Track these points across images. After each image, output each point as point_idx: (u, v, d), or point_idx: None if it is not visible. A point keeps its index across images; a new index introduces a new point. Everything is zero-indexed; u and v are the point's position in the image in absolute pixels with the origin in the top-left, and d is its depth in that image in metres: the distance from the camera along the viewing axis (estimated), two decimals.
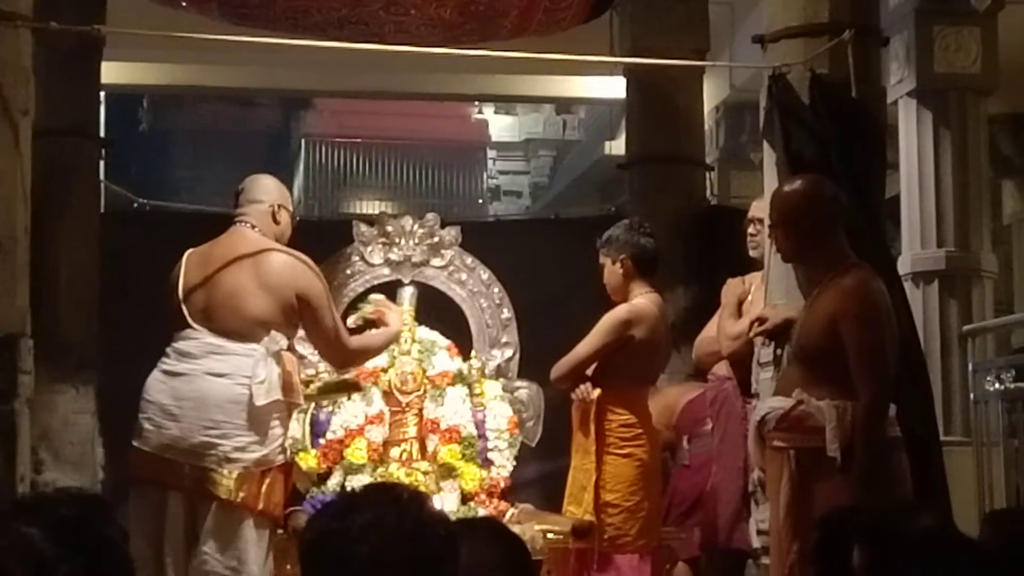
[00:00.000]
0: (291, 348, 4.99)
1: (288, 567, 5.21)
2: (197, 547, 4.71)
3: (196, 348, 4.82)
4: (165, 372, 4.84)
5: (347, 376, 5.63)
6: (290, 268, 4.96)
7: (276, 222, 5.12)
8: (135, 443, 4.83)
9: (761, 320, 4.97)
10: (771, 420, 4.49)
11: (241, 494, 4.71)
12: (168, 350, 4.88)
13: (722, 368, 6.09)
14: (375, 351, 5.53)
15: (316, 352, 5.40)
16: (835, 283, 4.46)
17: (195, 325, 4.85)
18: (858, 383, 4.31)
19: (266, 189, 5.18)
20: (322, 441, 5.84)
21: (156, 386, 4.82)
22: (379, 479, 5.66)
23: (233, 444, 4.71)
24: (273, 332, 4.84)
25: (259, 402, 4.73)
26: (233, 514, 4.73)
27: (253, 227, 5.04)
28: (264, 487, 4.78)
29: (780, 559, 4.44)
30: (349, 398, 5.80)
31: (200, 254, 5.02)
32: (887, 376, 4.38)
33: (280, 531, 5.13)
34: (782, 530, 4.39)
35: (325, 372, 5.68)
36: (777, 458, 4.47)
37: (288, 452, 5.05)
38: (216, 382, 4.76)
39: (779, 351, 4.96)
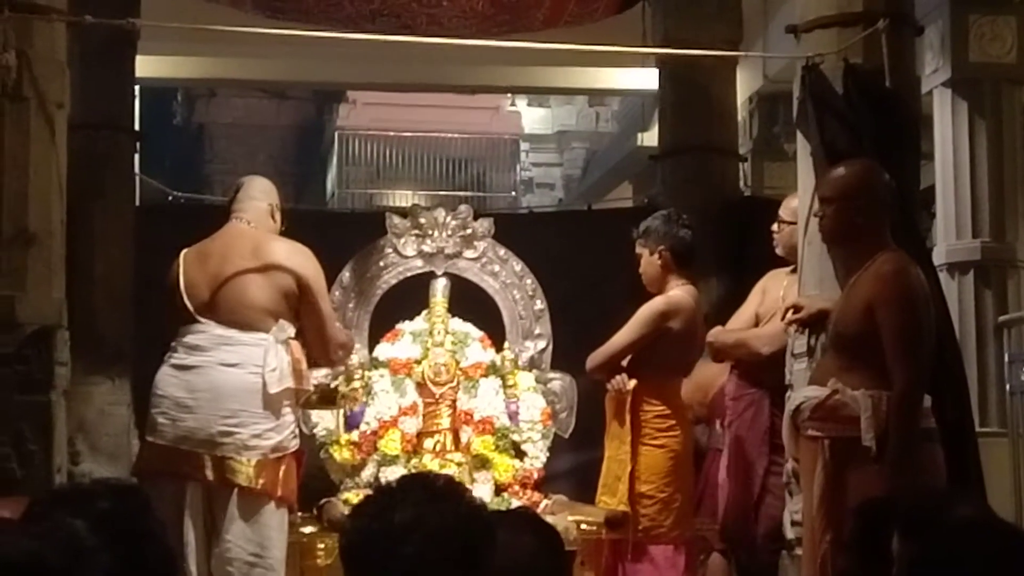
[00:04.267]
0: (297, 336, 5.02)
1: (318, 560, 5.25)
2: (219, 535, 4.77)
3: (206, 341, 4.88)
4: (175, 366, 4.90)
5: (331, 386, 5.57)
6: (290, 254, 5.02)
7: (273, 220, 5.20)
8: (149, 437, 4.92)
9: (796, 308, 4.95)
10: (805, 410, 4.48)
11: (261, 480, 4.77)
12: (175, 345, 4.95)
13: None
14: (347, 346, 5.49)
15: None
16: (873, 269, 4.44)
17: (201, 319, 4.91)
18: (893, 369, 4.30)
19: (264, 189, 5.26)
20: (356, 433, 5.86)
21: (167, 380, 4.89)
22: (413, 471, 5.67)
23: (250, 432, 4.77)
24: (281, 320, 4.89)
25: (273, 389, 4.80)
26: (255, 501, 4.80)
27: (249, 223, 5.09)
28: (281, 473, 4.83)
29: (812, 549, 4.42)
30: (333, 408, 5.72)
31: (197, 251, 5.09)
32: (923, 362, 4.36)
33: (301, 515, 5.24)
34: (815, 520, 4.37)
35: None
36: (811, 448, 4.45)
37: (299, 439, 5.09)
38: (229, 372, 4.82)
39: (813, 341, 4.93)
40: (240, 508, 4.78)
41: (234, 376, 4.82)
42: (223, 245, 5.06)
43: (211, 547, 4.81)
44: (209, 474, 4.77)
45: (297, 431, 5.03)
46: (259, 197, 5.19)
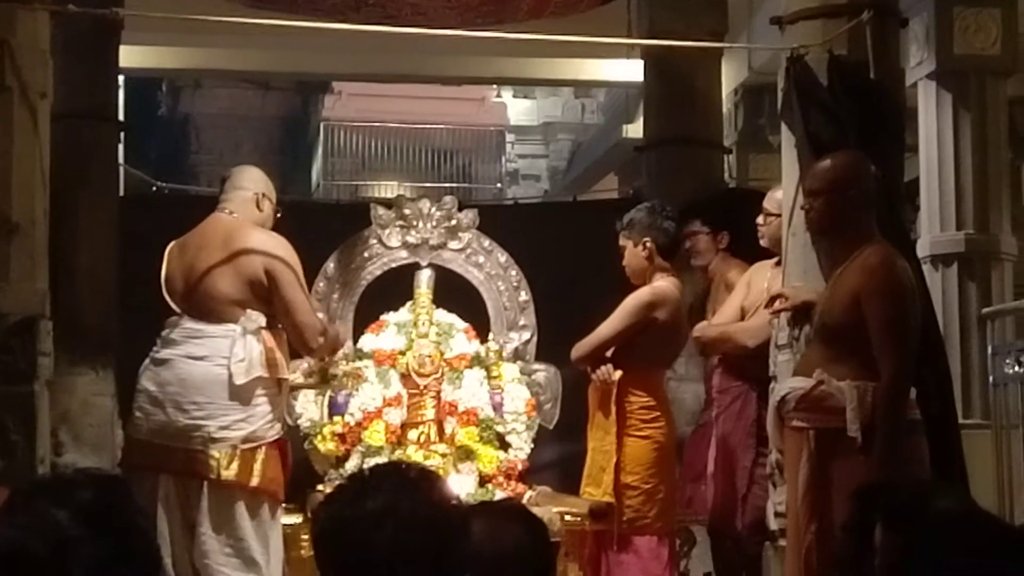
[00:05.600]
0: (273, 326, 4.98)
1: (302, 551, 5.24)
2: (196, 529, 4.76)
3: (177, 334, 4.91)
4: (152, 360, 4.94)
5: (328, 370, 5.57)
6: (257, 243, 4.97)
7: (259, 209, 5.14)
8: (127, 431, 4.96)
9: (781, 297, 4.94)
10: (791, 400, 4.48)
11: (231, 472, 4.75)
12: (157, 339, 4.96)
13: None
14: (334, 343, 5.37)
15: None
16: (859, 260, 4.45)
17: (177, 312, 4.95)
18: (880, 360, 4.31)
19: (251, 178, 5.23)
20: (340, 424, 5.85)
21: (145, 374, 4.94)
22: None
23: (217, 424, 4.76)
24: (249, 311, 4.88)
25: (239, 380, 4.79)
26: (225, 493, 4.79)
27: (231, 213, 5.08)
28: (257, 464, 4.81)
29: (797, 539, 4.43)
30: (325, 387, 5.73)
31: (179, 244, 5.11)
32: (909, 354, 4.37)
33: (285, 506, 5.20)
34: (800, 510, 4.38)
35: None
36: (796, 438, 4.46)
37: (282, 428, 5.05)
38: (195, 365, 4.83)
39: (796, 333, 4.94)
40: (211, 500, 4.77)
41: (200, 369, 4.83)
42: (200, 237, 5.06)
43: (192, 540, 4.81)
44: (179, 467, 4.78)
45: (275, 420, 4.96)
46: (245, 186, 5.16)
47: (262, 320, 4.91)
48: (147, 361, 4.95)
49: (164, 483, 4.79)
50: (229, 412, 4.80)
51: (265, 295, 4.94)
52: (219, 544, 4.76)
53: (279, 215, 5.25)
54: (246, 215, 5.08)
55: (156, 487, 4.78)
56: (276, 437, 4.94)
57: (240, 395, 4.81)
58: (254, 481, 4.82)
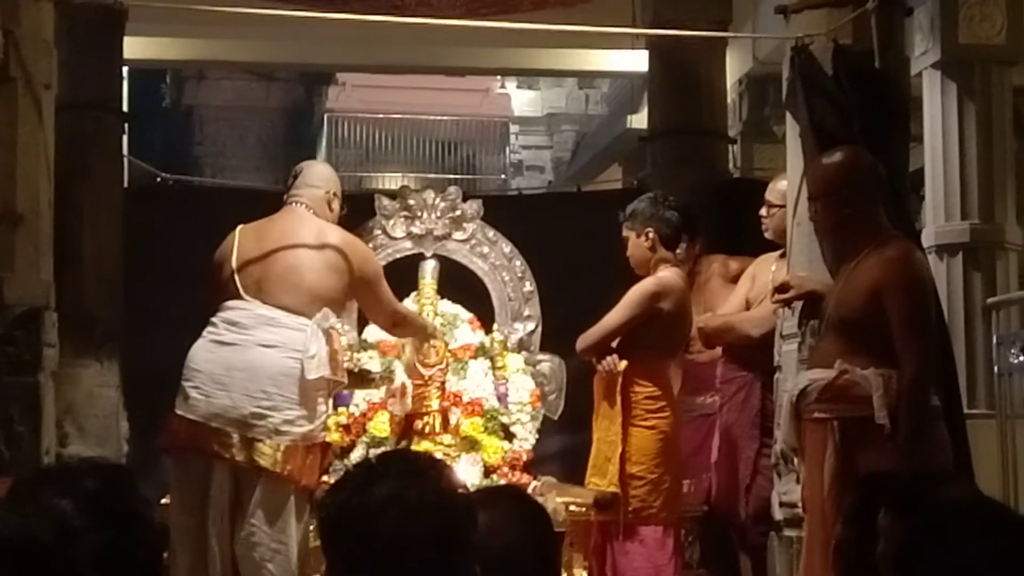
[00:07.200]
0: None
1: (307, 543, 5.24)
2: (244, 519, 4.73)
3: (247, 318, 4.85)
4: (213, 341, 4.87)
5: (369, 369, 5.69)
6: (351, 248, 5.07)
7: (331, 209, 5.21)
8: (179, 411, 4.83)
9: (784, 287, 4.92)
10: (812, 392, 4.44)
11: (287, 467, 4.73)
12: (215, 320, 4.91)
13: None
14: (417, 327, 5.70)
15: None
16: (876, 254, 4.43)
17: (246, 296, 4.89)
18: (903, 353, 4.30)
19: (323, 176, 5.29)
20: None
21: (203, 355, 4.85)
22: None
23: (283, 417, 4.74)
24: (325, 308, 4.89)
25: (310, 376, 4.77)
26: (279, 487, 4.76)
27: (308, 208, 5.10)
28: (307, 462, 4.81)
29: (824, 532, 4.33)
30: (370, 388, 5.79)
31: (255, 229, 5.08)
32: (932, 346, 4.38)
33: None
34: (827, 502, 4.32)
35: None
36: (819, 430, 4.42)
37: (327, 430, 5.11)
38: (267, 353, 4.79)
39: (803, 323, 4.93)
40: (265, 493, 4.74)
41: (271, 357, 4.79)
42: (283, 227, 5.06)
43: (235, 527, 4.78)
44: (236, 454, 4.73)
45: (325, 421, 5.04)
46: (318, 184, 5.21)
47: (334, 320, 4.95)
48: (204, 342, 4.88)
49: (219, 470, 4.76)
50: (295, 407, 4.78)
51: (347, 297, 5.07)
52: (268, 538, 4.73)
53: (344, 212, 5.29)
54: (320, 213, 5.14)
55: (207, 472, 4.75)
56: (324, 439, 5.00)
57: (307, 392, 4.80)
58: (304, 479, 4.81)
